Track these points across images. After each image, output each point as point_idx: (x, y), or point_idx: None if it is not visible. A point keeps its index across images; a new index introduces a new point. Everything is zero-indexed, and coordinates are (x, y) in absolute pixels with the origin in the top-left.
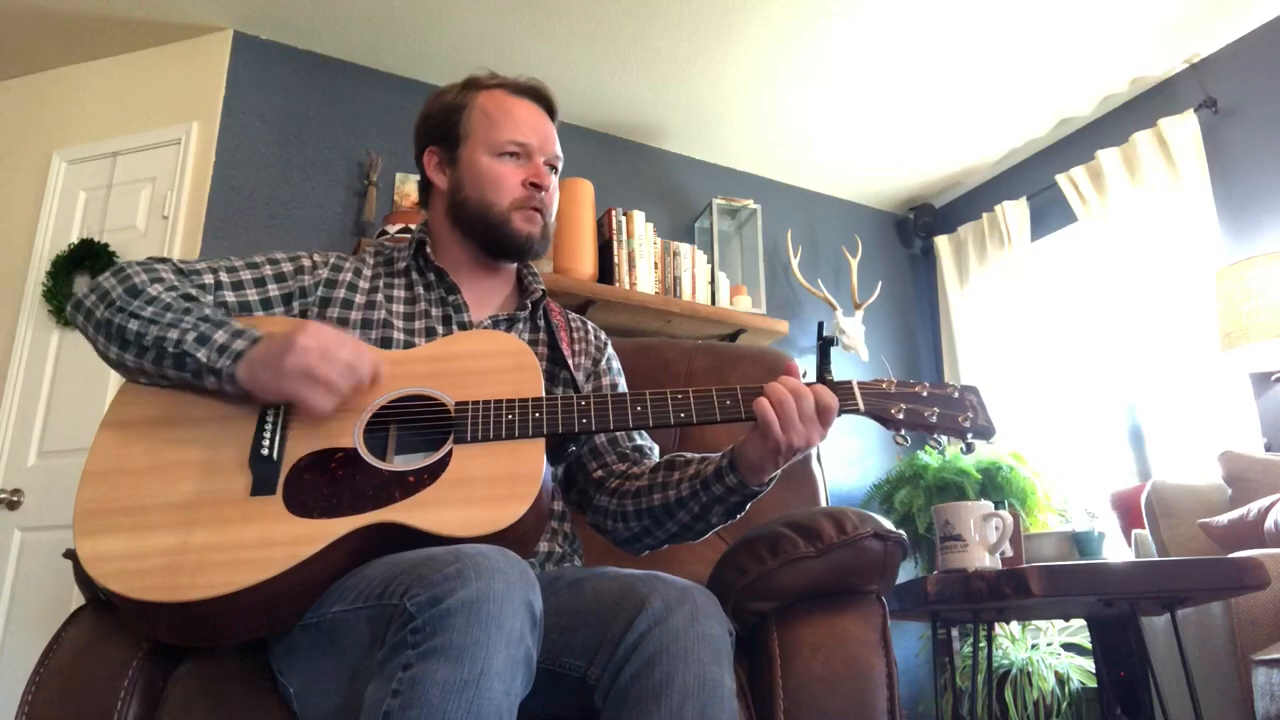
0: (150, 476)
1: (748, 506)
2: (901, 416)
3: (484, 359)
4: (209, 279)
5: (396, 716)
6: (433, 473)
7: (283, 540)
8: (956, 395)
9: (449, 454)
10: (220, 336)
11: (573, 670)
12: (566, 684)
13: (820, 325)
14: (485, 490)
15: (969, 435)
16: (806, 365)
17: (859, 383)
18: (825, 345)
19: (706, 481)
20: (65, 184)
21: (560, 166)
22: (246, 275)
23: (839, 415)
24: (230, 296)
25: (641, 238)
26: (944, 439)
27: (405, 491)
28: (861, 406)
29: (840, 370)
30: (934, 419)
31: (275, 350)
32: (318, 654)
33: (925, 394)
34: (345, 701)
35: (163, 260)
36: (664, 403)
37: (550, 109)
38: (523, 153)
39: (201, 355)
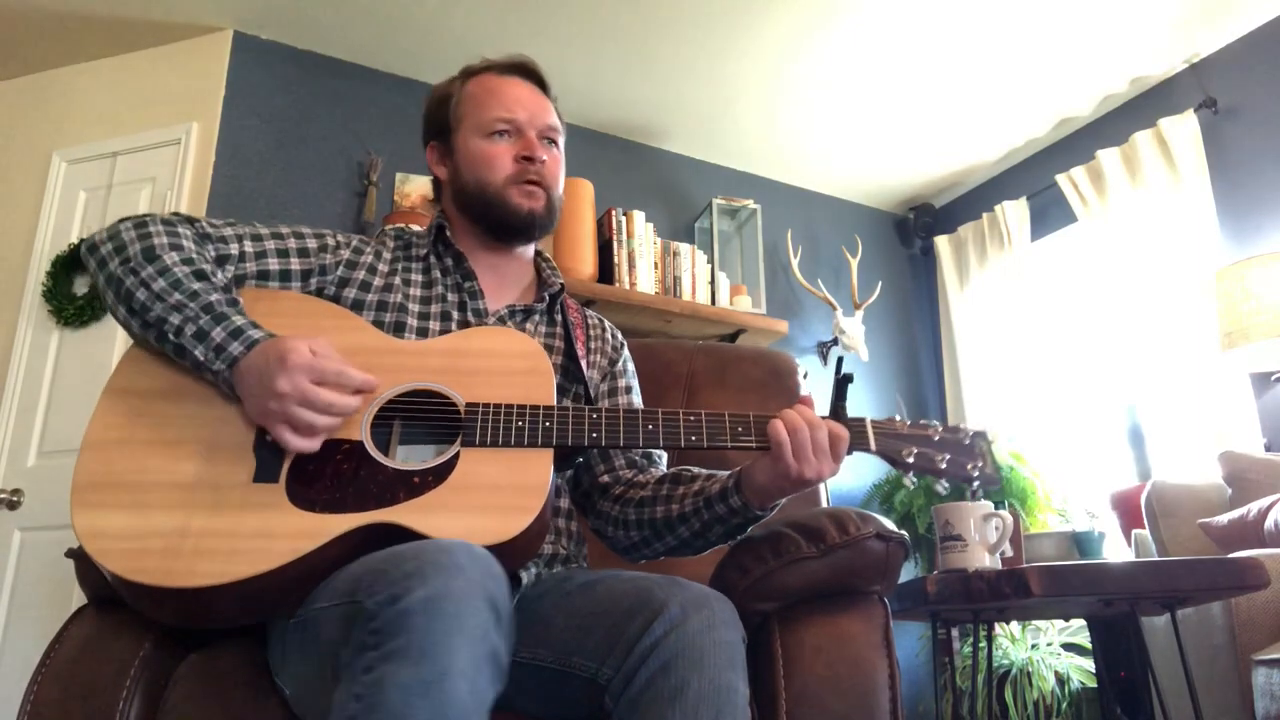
0: (152, 451)
1: (749, 530)
2: (912, 460)
3: (498, 358)
4: (234, 248)
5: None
6: (438, 475)
7: (283, 533)
8: (968, 441)
9: (456, 456)
10: (218, 335)
11: (583, 671)
12: (575, 685)
13: (840, 361)
14: (490, 499)
15: (976, 483)
16: (806, 365)
17: (872, 421)
18: (843, 382)
19: (710, 500)
20: (65, 184)
21: (560, 140)
22: (270, 245)
23: (850, 452)
24: (252, 266)
25: (641, 238)
26: (950, 485)
27: (410, 492)
28: (873, 446)
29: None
30: (944, 465)
31: (263, 373)
32: (304, 654)
33: (936, 438)
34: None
35: (190, 221)
36: (675, 423)
37: (540, 83)
38: (512, 129)
39: (198, 353)
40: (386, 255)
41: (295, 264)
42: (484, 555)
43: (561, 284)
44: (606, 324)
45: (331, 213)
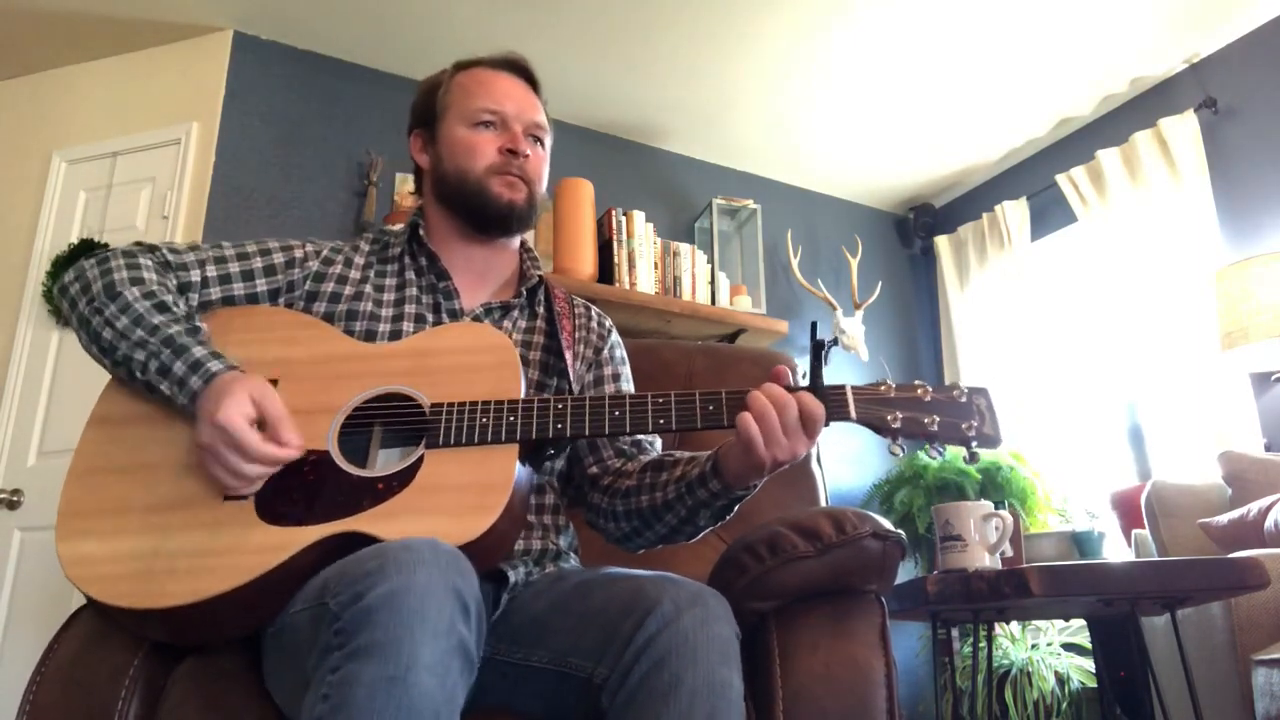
0: (130, 477)
1: (736, 509)
2: (898, 425)
3: (465, 355)
4: (195, 275)
5: None
6: (403, 479)
7: (252, 548)
8: (963, 400)
9: (420, 459)
10: (179, 369)
11: (579, 671)
12: (572, 684)
13: (814, 326)
14: (453, 500)
15: (973, 444)
16: (806, 366)
17: (853, 388)
18: (818, 349)
19: (691, 486)
20: (65, 184)
21: (546, 140)
22: (235, 268)
23: (829, 424)
24: (216, 292)
25: (641, 238)
26: (944, 449)
27: (374, 499)
28: (853, 415)
29: (840, 370)
30: (935, 427)
31: (206, 411)
32: (283, 660)
33: (927, 399)
34: None
35: (151, 249)
36: (644, 407)
37: (530, 80)
38: (498, 121)
39: (165, 389)
40: (359, 261)
41: (261, 285)
42: (448, 549)
43: (540, 276)
44: (594, 310)
45: (332, 213)
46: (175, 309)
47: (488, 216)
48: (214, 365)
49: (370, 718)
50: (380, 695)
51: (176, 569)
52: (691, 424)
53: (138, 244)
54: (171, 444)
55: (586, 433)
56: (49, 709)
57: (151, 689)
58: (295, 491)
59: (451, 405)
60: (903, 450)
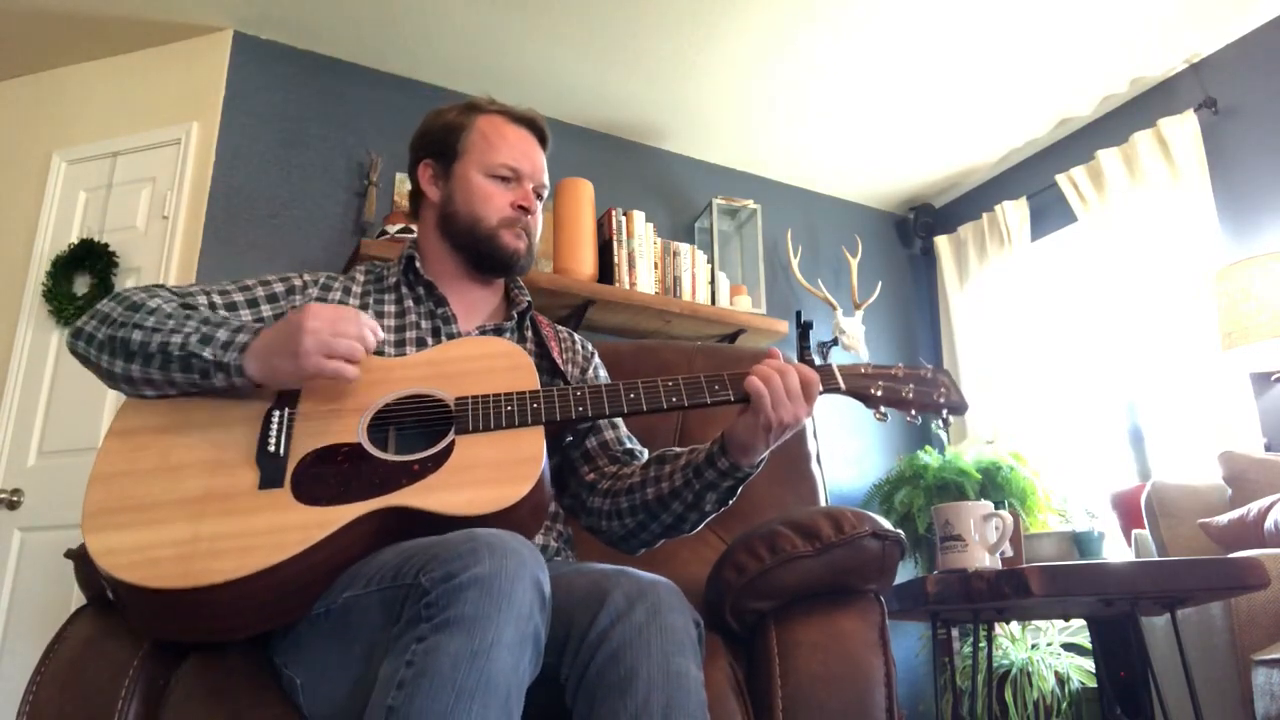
0: (158, 477)
1: (739, 491)
2: (880, 394)
3: (480, 360)
4: (202, 300)
5: (409, 685)
6: (437, 460)
7: (294, 526)
8: (929, 375)
9: (452, 444)
10: (222, 334)
11: (546, 669)
12: (544, 681)
13: (798, 314)
14: (489, 473)
15: (944, 410)
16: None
17: (838, 365)
18: (804, 330)
19: (699, 469)
20: (65, 184)
21: (545, 196)
22: (239, 297)
23: (822, 393)
24: (223, 316)
25: (641, 238)
26: (920, 415)
27: (412, 478)
28: (843, 385)
29: None
30: (910, 395)
31: (285, 336)
32: (326, 642)
33: (900, 375)
34: (355, 687)
35: (158, 286)
36: (655, 389)
37: (543, 139)
38: (514, 178)
39: (207, 353)
40: (356, 289)
41: (266, 311)
42: (530, 544)
43: (529, 301)
44: (575, 336)
45: (332, 213)
46: (203, 309)
47: (495, 262)
48: (259, 325)
49: (451, 685)
50: (463, 666)
51: (218, 549)
52: (701, 400)
53: (137, 286)
54: (197, 446)
55: (607, 413)
56: (49, 709)
57: (153, 687)
58: (331, 477)
59: (477, 397)
60: (886, 416)
